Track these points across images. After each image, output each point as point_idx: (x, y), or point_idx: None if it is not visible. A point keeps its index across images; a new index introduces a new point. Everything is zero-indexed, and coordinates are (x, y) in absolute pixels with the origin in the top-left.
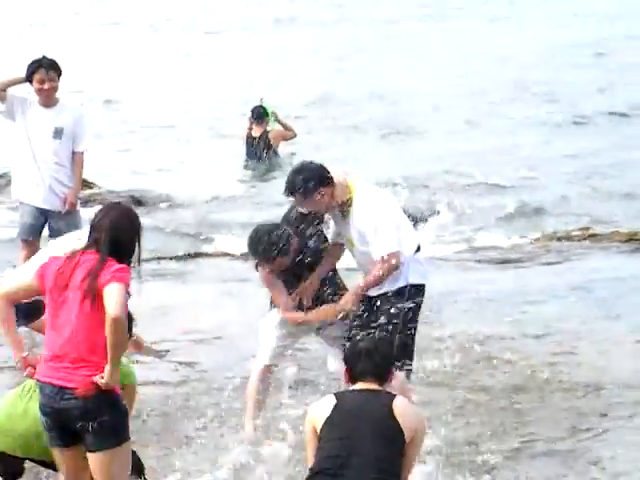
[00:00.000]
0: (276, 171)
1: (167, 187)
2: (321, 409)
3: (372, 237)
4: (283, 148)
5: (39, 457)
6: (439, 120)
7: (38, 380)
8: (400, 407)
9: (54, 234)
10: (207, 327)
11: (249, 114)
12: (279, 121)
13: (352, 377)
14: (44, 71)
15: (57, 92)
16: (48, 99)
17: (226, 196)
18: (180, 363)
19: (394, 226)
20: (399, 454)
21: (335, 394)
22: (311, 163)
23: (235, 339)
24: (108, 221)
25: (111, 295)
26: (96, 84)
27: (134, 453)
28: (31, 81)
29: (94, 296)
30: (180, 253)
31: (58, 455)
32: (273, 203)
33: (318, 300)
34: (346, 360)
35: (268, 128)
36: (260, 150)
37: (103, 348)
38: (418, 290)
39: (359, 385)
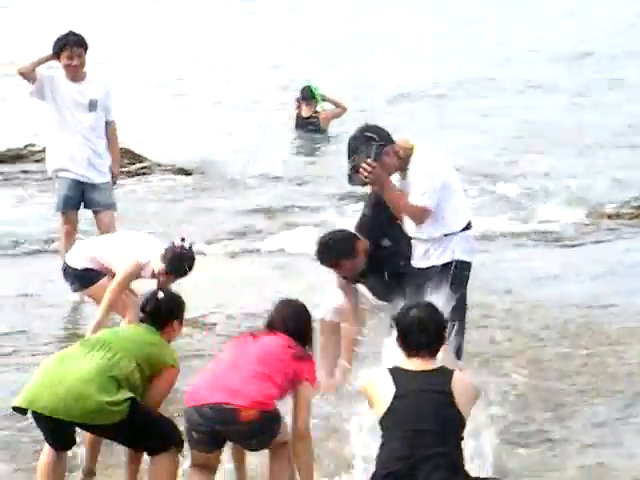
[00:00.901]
0: (324, 150)
1: (216, 160)
2: (380, 389)
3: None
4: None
5: (80, 420)
6: (497, 89)
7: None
8: (458, 389)
9: (91, 206)
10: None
11: (298, 95)
12: (328, 99)
13: (405, 347)
14: (72, 47)
15: (84, 67)
16: (76, 74)
17: (273, 175)
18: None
19: (434, 184)
20: (461, 440)
21: (392, 374)
22: (374, 125)
23: None
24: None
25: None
26: (138, 53)
27: (175, 428)
28: (59, 57)
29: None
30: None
31: (194, 453)
32: (321, 181)
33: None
34: (398, 327)
35: (318, 109)
36: (309, 131)
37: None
38: (464, 267)
39: (414, 362)
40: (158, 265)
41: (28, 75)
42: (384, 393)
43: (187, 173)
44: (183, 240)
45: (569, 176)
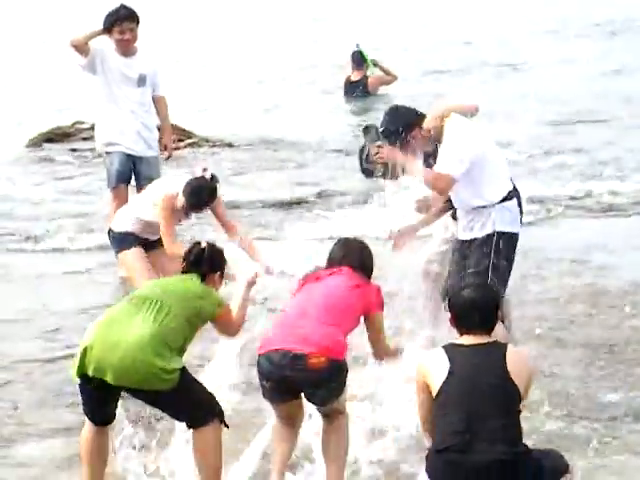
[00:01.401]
0: (371, 113)
1: (265, 133)
2: (434, 367)
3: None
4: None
5: (136, 385)
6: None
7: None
8: (513, 362)
9: (140, 179)
10: None
11: (349, 59)
12: (380, 66)
13: (459, 327)
14: (125, 21)
15: (136, 41)
16: (128, 49)
17: (322, 140)
18: None
19: (460, 154)
20: (518, 413)
21: (446, 351)
22: (396, 109)
23: None
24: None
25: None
26: (200, 34)
27: (217, 401)
28: (110, 32)
29: None
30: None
31: (274, 406)
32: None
33: None
34: (451, 308)
35: (368, 73)
36: (358, 92)
37: None
38: (507, 238)
39: (468, 339)
40: (181, 200)
41: (80, 48)
42: (438, 369)
43: (233, 146)
44: (205, 170)
45: (625, 149)
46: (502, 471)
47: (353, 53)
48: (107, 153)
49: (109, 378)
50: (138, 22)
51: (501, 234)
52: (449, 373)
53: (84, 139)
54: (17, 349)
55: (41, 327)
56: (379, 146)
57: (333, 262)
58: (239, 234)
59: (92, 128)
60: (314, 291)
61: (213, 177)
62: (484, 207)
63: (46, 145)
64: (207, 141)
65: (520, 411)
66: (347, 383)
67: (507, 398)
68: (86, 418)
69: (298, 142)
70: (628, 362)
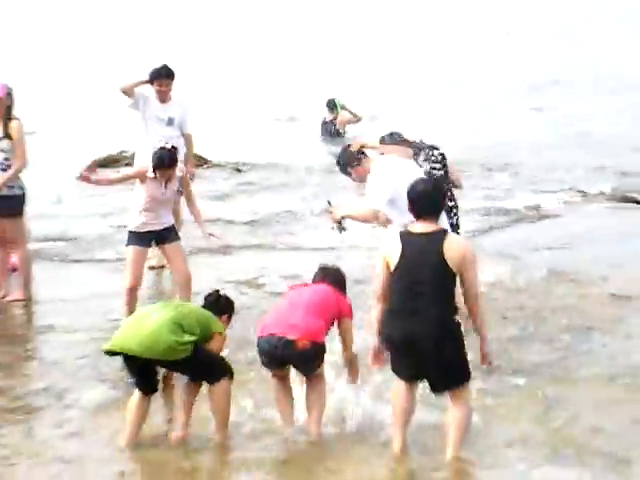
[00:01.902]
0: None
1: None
2: (393, 250)
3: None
4: (351, 128)
5: (159, 356)
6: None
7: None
8: (447, 246)
9: None
10: None
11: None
12: (347, 109)
13: (414, 212)
14: (163, 78)
15: (170, 92)
16: (164, 98)
17: (304, 165)
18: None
19: (376, 191)
20: (451, 284)
21: (401, 237)
22: (345, 150)
23: None
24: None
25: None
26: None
27: (227, 363)
28: (152, 83)
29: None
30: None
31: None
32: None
33: None
34: (409, 198)
35: (338, 115)
36: (329, 131)
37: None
38: None
39: (420, 225)
40: (150, 168)
41: (128, 92)
42: (395, 252)
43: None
44: (166, 144)
45: None
46: (427, 338)
47: (328, 101)
48: None
49: (135, 350)
50: (173, 79)
51: None
52: (400, 256)
53: (127, 164)
54: None
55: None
56: (329, 210)
57: (316, 279)
58: (195, 205)
59: (132, 157)
60: (303, 292)
61: (173, 147)
62: None
63: (99, 169)
64: (221, 165)
65: (455, 278)
66: (324, 359)
67: (440, 274)
68: (136, 388)
69: (291, 165)
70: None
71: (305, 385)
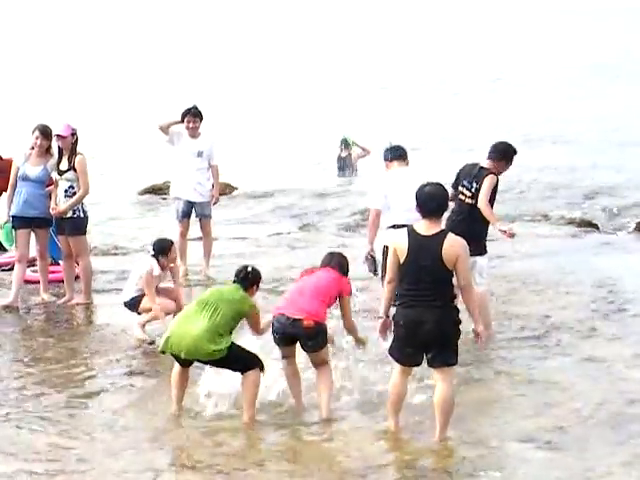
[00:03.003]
0: (355, 178)
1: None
2: (401, 245)
3: None
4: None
5: (200, 358)
6: None
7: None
8: (446, 247)
9: (199, 215)
10: None
11: (339, 144)
12: (358, 145)
13: (422, 213)
14: (193, 117)
15: (199, 128)
16: (194, 133)
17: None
18: None
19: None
20: (449, 278)
21: (408, 235)
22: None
23: None
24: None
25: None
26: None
27: (258, 358)
28: (184, 121)
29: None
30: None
31: (280, 348)
32: (351, 197)
33: None
34: (417, 200)
35: (351, 152)
36: (345, 166)
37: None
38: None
39: (425, 224)
40: (154, 264)
41: (164, 130)
42: (403, 248)
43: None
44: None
45: None
46: (433, 321)
47: (342, 139)
48: (176, 198)
49: (184, 355)
50: (202, 118)
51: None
52: (407, 254)
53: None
54: None
55: None
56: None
57: (323, 264)
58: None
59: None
60: (309, 279)
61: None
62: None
63: (147, 195)
64: (246, 193)
65: (452, 273)
66: (328, 344)
67: (438, 269)
68: (175, 361)
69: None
70: None
71: (316, 373)
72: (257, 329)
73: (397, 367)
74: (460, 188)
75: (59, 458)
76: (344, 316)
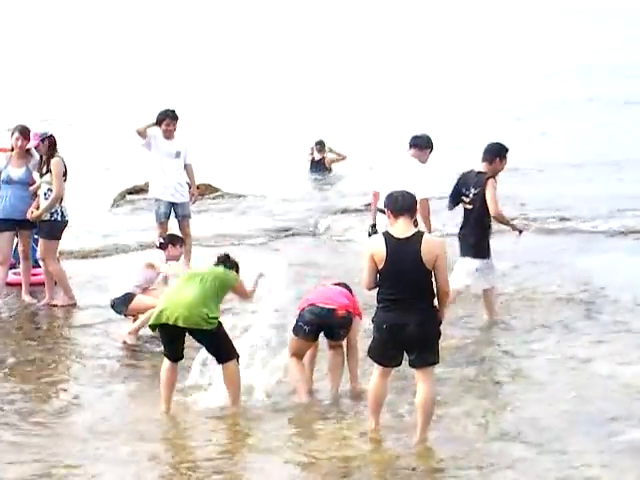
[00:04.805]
0: (327, 182)
1: (255, 188)
2: (378, 250)
3: None
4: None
5: (193, 325)
6: None
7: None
8: (424, 248)
9: (176, 216)
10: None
11: (314, 145)
12: (332, 150)
13: (394, 214)
14: (169, 120)
15: (175, 131)
16: (170, 136)
17: (296, 197)
18: None
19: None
20: (429, 279)
21: (385, 240)
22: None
23: None
24: None
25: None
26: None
27: (233, 345)
28: (160, 124)
29: None
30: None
31: (295, 344)
32: (326, 201)
33: None
34: (387, 205)
35: (325, 155)
36: (318, 169)
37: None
38: None
39: (400, 227)
40: (160, 260)
41: (141, 134)
42: (380, 254)
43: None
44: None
45: None
46: (415, 324)
47: (317, 141)
48: (156, 200)
49: (180, 322)
50: (177, 119)
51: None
52: (385, 260)
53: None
54: None
55: None
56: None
57: (333, 284)
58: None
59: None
60: (329, 287)
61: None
62: None
63: (128, 196)
64: (228, 194)
65: (431, 282)
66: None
67: (419, 272)
68: (165, 357)
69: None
70: None
71: (329, 355)
72: (246, 295)
73: (377, 368)
74: (462, 197)
75: (43, 463)
76: (350, 332)
